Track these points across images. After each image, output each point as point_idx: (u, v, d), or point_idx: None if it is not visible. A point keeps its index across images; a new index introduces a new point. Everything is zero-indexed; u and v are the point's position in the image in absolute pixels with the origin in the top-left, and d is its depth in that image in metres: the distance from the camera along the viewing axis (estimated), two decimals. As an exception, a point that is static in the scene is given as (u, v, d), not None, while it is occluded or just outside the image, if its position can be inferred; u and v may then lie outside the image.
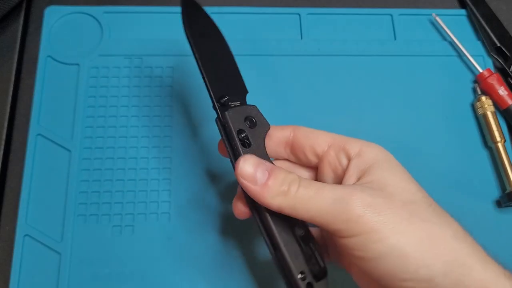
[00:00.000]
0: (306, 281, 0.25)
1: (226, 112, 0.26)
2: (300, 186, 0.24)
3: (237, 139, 0.26)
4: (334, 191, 0.24)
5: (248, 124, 0.27)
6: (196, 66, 0.28)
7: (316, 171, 0.30)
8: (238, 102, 0.28)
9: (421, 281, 0.22)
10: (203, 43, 0.29)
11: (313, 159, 0.29)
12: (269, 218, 0.25)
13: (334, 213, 0.23)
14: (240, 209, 0.28)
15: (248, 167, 0.25)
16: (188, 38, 0.28)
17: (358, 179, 0.26)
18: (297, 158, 0.29)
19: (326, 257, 0.29)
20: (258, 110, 0.28)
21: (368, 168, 0.25)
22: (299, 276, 0.25)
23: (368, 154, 0.26)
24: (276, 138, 0.29)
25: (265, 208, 0.25)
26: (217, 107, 0.27)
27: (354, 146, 0.27)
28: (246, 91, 0.29)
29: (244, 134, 0.26)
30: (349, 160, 0.27)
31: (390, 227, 0.22)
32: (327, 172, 0.29)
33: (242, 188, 0.25)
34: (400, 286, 0.23)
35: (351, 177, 0.26)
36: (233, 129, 0.26)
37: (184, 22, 0.28)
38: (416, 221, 0.23)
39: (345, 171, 0.27)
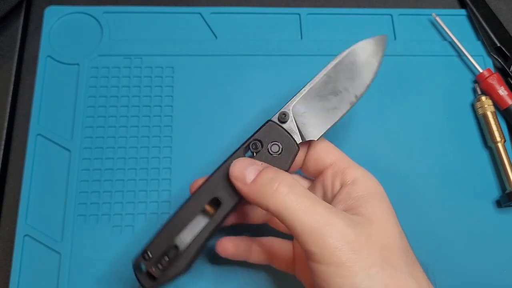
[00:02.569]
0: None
1: None
2: (290, 191, 0.24)
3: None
4: (324, 212, 0.23)
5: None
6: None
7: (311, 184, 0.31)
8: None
9: None
10: None
11: (313, 173, 0.29)
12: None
13: (315, 235, 0.23)
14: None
15: (238, 165, 0.25)
16: None
17: (346, 208, 0.26)
18: (305, 166, 0.30)
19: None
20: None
21: (359, 198, 0.26)
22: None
23: (363, 184, 0.26)
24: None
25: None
26: None
27: (352, 173, 0.27)
28: None
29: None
30: (342, 186, 0.27)
31: (361, 268, 0.22)
32: (318, 189, 0.29)
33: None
34: None
35: (339, 203, 0.26)
36: None
37: None
38: (387, 267, 0.23)
39: (335, 195, 0.27)
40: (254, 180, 0.25)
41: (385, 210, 0.26)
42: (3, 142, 0.37)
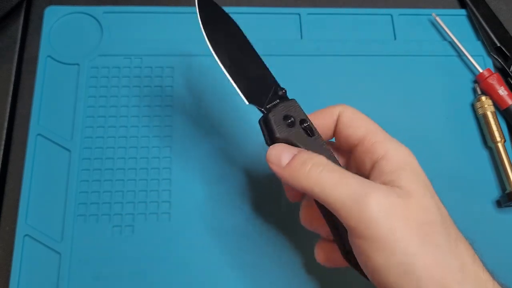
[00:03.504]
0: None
1: (269, 114, 0.27)
2: (324, 169, 0.24)
3: (301, 129, 0.27)
4: (356, 185, 0.23)
5: (288, 121, 0.27)
6: (221, 70, 0.28)
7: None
8: (277, 100, 0.28)
9: None
10: (223, 44, 0.29)
11: (346, 148, 0.29)
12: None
13: (349, 208, 0.23)
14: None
15: (274, 151, 0.26)
16: (208, 42, 0.28)
17: (382, 182, 0.25)
18: (338, 142, 0.29)
19: None
20: (297, 105, 0.28)
21: (392, 172, 0.25)
22: None
23: (394, 158, 0.25)
24: (324, 120, 0.28)
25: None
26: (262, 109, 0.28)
27: (382, 147, 0.26)
28: (276, 85, 0.29)
29: (307, 124, 0.27)
30: (374, 162, 0.26)
31: (399, 245, 0.22)
32: (353, 168, 0.28)
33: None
34: None
35: (374, 180, 0.25)
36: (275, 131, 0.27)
37: (202, 25, 0.28)
38: (426, 245, 0.22)
39: (369, 173, 0.26)
40: (288, 163, 0.25)
41: (421, 183, 0.24)
42: (3, 142, 0.37)
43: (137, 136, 0.37)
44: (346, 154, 0.29)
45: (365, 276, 0.25)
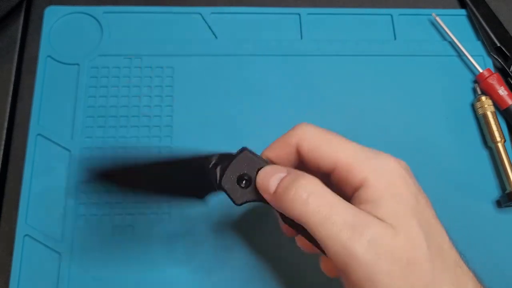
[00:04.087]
0: None
1: (222, 184, 0.25)
2: (309, 196, 0.22)
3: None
4: (343, 227, 0.21)
5: (243, 182, 0.25)
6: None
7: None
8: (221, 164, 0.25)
9: None
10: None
11: (321, 175, 0.25)
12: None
13: (336, 251, 0.21)
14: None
15: (262, 175, 0.24)
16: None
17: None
18: (308, 170, 0.25)
19: None
20: (248, 155, 0.25)
21: (374, 201, 0.22)
22: None
23: (374, 185, 0.22)
24: (282, 153, 0.25)
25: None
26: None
27: (356, 177, 0.23)
28: (209, 158, 0.26)
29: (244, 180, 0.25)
30: (353, 191, 0.23)
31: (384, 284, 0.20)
32: (334, 189, 0.25)
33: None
34: None
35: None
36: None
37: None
38: (415, 284, 0.20)
39: (350, 198, 0.23)
40: (275, 191, 0.23)
41: (406, 211, 0.22)
42: (3, 142, 0.37)
43: (137, 136, 0.37)
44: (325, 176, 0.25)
45: None
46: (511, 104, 0.39)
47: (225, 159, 0.25)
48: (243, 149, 0.25)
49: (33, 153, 0.36)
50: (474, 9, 0.43)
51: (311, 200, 0.22)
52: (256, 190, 0.24)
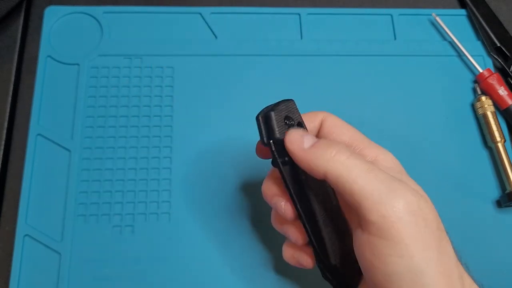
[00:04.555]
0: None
1: (272, 112, 0.25)
2: (351, 156, 0.23)
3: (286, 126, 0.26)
4: (386, 179, 0.22)
5: (288, 122, 0.26)
6: None
7: None
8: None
9: None
10: None
11: None
12: (312, 197, 0.25)
13: (375, 201, 0.21)
14: (270, 191, 0.27)
15: (297, 133, 0.25)
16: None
17: None
18: None
19: None
20: (295, 106, 0.27)
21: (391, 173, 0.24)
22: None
23: (384, 162, 0.25)
24: (308, 124, 0.28)
25: (308, 185, 0.25)
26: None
27: (371, 151, 0.26)
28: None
29: (302, 127, 0.26)
30: None
31: (419, 250, 0.21)
32: None
33: (291, 156, 0.25)
34: None
35: None
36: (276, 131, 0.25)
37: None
38: (441, 253, 0.22)
39: None
40: (312, 145, 0.24)
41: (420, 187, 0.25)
42: (3, 142, 0.37)
43: (137, 136, 0.37)
44: None
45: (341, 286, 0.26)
46: (511, 104, 0.39)
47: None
48: (291, 99, 0.27)
49: (33, 153, 0.36)
50: (474, 9, 0.43)
51: (353, 158, 0.23)
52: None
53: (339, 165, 0.23)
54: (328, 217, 0.26)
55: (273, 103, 0.26)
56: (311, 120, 0.28)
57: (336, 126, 0.27)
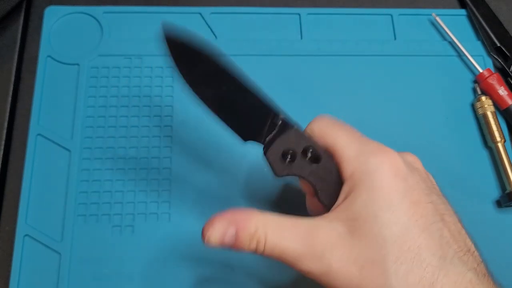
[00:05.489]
0: None
1: (267, 154, 0.26)
2: (266, 239, 0.23)
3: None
4: (300, 228, 0.23)
5: (288, 159, 0.26)
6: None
7: None
8: (274, 131, 0.26)
9: None
10: (203, 85, 0.26)
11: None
12: None
13: (302, 253, 0.22)
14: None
15: (212, 237, 0.24)
16: (189, 87, 0.26)
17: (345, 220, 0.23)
18: None
19: None
20: (299, 132, 0.26)
21: (350, 191, 0.23)
22: None
23: (357, 176, 0.23)
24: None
25: None
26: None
27: (349, 166, 0.24)
28: (274, 113, 0.26)
29: (310, 151, 0.25)
30: (343, 181, 0.24)
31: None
32: None
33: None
34: None
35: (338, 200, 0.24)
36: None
37: (179, 72, 0.26)
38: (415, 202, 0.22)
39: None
40: (235, 244, 0.25)
41: (373, 205, 0.22)
42: (3, 142, 0.37)
43: (137, 136, 0.37)
44: None
45: None
46: (511, 104, 0.39)
47: (282, 125, 0.26)
48: (294, 125, 0.26)
49: (33, 153, 0.36)
50: (474, 9, 0.43)
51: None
52: (298, 166, 0.25)
53: (266, 251, 0.23)
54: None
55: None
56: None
57: (324, 129, 0.26)
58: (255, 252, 0.23)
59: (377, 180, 0.23)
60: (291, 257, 0.22)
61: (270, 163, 0.26)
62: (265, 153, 0.26)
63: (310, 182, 0.26)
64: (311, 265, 0.22)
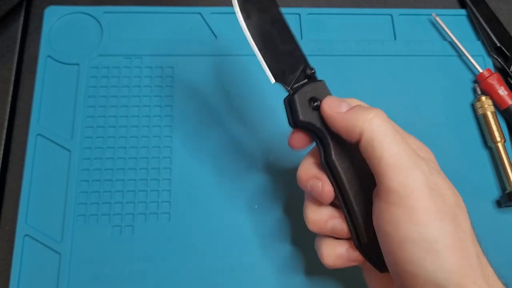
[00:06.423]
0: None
1: (295, 95, 0.27)
2: (387, 121, 0.24)
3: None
4: (413, 153, 0.24)
5: (313, 103, 0.27)
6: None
7: None
8: (304, 80, 0.28)
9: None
10: (254, 18, 0.29)
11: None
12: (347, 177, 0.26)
13: (399, 169, 0.23)
14: (306, 174, 0.28)
15: (333, 99, 0.26)
16: (239, 13, 0.29)
17: None
18: None
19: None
20: (325, 87, 0.28)
21: None
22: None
23: (419, 151, 0.26)
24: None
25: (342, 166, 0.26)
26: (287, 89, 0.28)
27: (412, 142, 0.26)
28: (306, 63, 0.28)
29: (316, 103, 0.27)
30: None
31: (433, 219, 0.22)
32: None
33: (327, 120, 0.26)
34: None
35: None
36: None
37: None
38: (457, 226, 0.23)
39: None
40: (350, 108, 0.25)
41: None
42: (3, 142, 0.37)
43: (137, 136, 0.37)
44: None
45: (377, 265, 0.26)
46: (511, 104, 0.39)
47: (312, 77, 0.28)
48: (321, 80, 0.28)
49: (33, 153, 0.36)
50: (474, 9, 0.43)
51: (388, 124, 0.25)
52: (320, 116, 0.26)
53: (376, 127, 0.24)
54: (358, 197, 0.26)
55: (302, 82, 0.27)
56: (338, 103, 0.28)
57: (356, 110, 0.26)
58: (360, 125, 0.25)
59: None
60: None
61: (296, 106, 0.26)
62: (293, 94, 0.27)
63: (325, 137, 0.26)
64: None
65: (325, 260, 0.27)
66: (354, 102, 0.28)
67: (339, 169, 0.26)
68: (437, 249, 0.22)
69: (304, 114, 0.26)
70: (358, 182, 0.26)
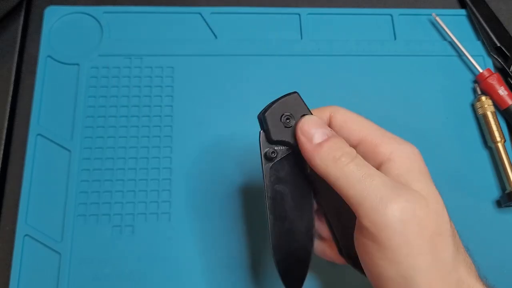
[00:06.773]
0: None
1: (266, 114, 0.26)
2: (352, 162, 0.23)
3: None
4: (381, 185, 0.22)
5: (285, 120, 0.25)
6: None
7: None
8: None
9: None
10: None
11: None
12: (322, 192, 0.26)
13: (368, 207, 0.22)
14: None
15: (309, 124, 0.25)
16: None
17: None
18: None
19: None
20: (298, 99, 0.26)
21: (401, 175, 0.24)
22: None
23: (400, 159, 0.25)
24: None
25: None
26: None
27: (384, 151, 0.25)
28: None
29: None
30: (379, 164, 0.25)
31: (407, 256, 0.21)
32: None
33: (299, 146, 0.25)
34: None
35: None
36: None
37: None
38: (436, 260, 0.22)
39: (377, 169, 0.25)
40: (321, 143, 0.24)
41: (431, 186, 0.24)
42: (3, 142, 0.37)
43: (137, 136, 0.37)
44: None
45: (362, 271, 0.25)
46: (511, 104, 0.39)
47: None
48: (294, 92, 0.26)
49: (33, 153, 0.36)
50: (474, 9, 0.43)
51: (353, 164, 0.23)
52: (294, 134, 0.25)
53: (338, 170, 0.23)
54: (338, 212, 0.26)
55: (276, 98, 0.26)
56: (318, 113, 0.27)
57: (345, 122, 0.26)
58: (326, 166, 0.24)
59: (422, 166, 0.25)
60: None
61: (268, 125, 0.25)
62: (264, 113, 0.26)
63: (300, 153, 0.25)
64: None
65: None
66: (337, 117, 0.27)
67: (318, 184, 0.26)
68: (414, 286, 0.21)
69: (277, 133, 0.25)
70: (339, 198, 0.25)
